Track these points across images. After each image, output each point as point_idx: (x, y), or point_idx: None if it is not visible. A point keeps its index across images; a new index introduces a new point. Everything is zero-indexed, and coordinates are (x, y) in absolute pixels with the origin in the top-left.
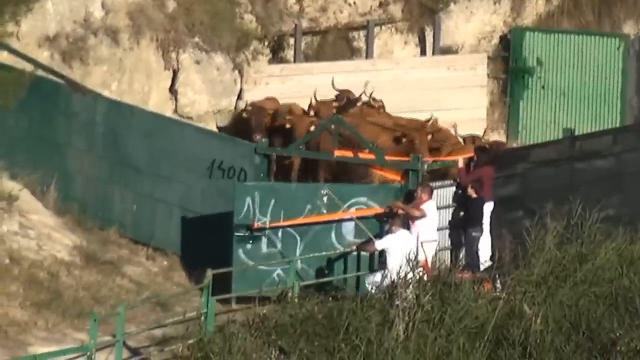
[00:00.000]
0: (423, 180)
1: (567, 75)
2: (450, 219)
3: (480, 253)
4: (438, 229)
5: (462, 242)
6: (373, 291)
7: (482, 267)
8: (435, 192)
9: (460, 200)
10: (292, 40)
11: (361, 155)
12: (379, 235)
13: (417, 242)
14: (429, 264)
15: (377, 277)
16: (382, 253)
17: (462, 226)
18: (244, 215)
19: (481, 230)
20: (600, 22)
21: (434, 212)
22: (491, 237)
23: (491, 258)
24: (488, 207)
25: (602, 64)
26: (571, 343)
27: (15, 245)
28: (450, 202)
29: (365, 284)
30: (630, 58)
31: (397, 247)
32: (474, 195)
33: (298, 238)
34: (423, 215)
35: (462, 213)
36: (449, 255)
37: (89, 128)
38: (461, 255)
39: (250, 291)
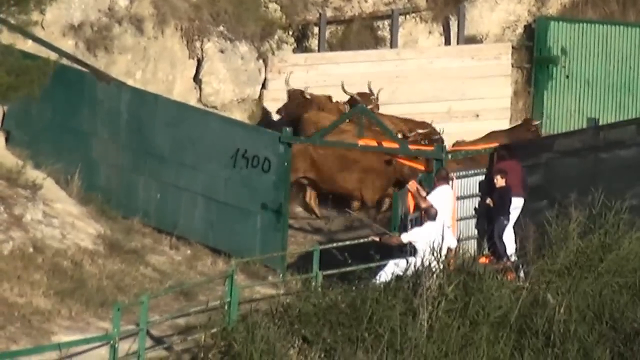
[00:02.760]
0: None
1: (592, 65)
2: (476, 207)
3: (506, 243)
4: (462, 219)
5: (486, 231)
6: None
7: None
8: (459, 181)
9: (486, 189)
10: (316, 30)
11: (385, 144)
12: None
13: (442, 230)
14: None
15: (391, 268)
16: (407, 244)
17: (488, 215)
18: None
19: (507, 219)
20: (624, 11)
21: (449, 199)
22: (514, 232)
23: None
24: (517, 202)
25: (627, 53)
26: (594, 333)
27: (39, 234)
28: (477, 191)
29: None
30: None
31: (424, 238)
32: (500, 184)
33: None
34: (428, 207)
35: (488, 202)
36: (475, 244)
37: (113, 117)
38: (484, 244)
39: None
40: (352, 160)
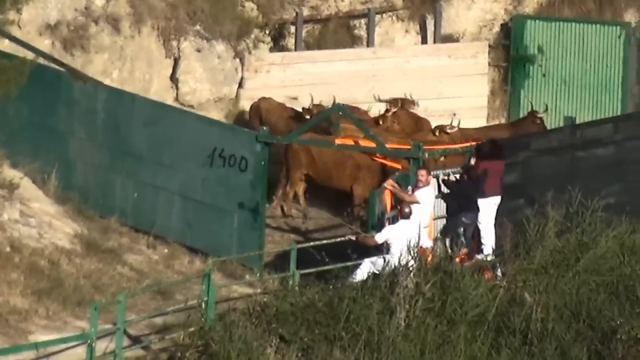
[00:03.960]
0: (421, 164)
1: (568, 64)
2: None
3: (485, 242)
4: (438, 218)
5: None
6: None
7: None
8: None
9: (453, 187)
10: (293, 29)
11: (362, 143)
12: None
13: (418, 230)
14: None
15: (367, 267)
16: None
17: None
18: None
19: (473, 218)
20: (601, 10)
21: (431, 198)
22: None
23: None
24: (493, 201)
25: (603, 52)
26: (572, 331)
27: (16, 234)
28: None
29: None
30: (631, 46)
31: (398, 237)
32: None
33: None
34: (413, 202)
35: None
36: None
37: (90, 116)
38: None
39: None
40: (346, 156)
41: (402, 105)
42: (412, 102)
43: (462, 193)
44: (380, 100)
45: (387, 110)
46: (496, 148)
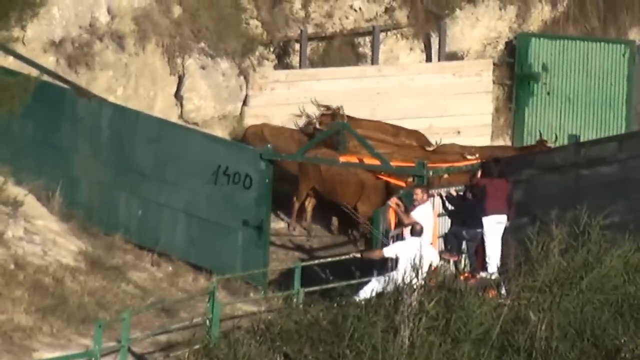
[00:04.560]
0: (419, 183)
1: (573, 82)
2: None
3: (491, 260)
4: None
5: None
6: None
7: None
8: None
9: (458, 203)
10: (297, 46)
11: (366, 161)
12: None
13: (420, 247)
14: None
15: (372, 285)
16: (388, 260)
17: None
18: None
19: (474, 234)
20: (605, 28)
21: (430, 216)
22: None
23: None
24: (496, 219)
25: (608, 70)
26: (576, 349)
27: (21, 251)
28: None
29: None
30: (635, 64)
31: (406, 254)
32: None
33: None
34: (411, 223)
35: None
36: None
37: (94, 133)
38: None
39: None
40: (351, 174)
41: (332, 118)
42: (343, 117)
43: (465, 210)
44: (318, 106)
45: (320, 122)
46: (499, 167)
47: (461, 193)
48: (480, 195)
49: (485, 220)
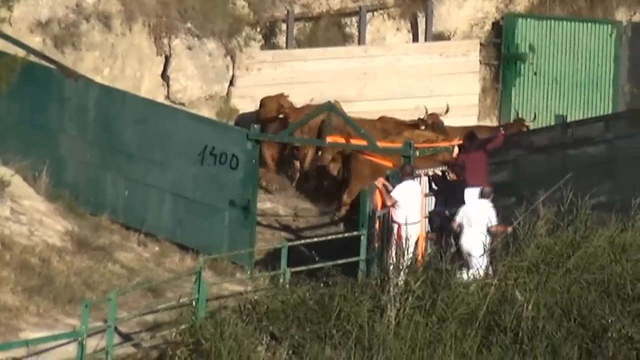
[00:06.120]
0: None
1: (560, 62)
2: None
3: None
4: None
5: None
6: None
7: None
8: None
9: (441, 184)
10: (284, 26)
11: (353, 141)
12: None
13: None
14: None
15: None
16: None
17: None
18: None
19: (455, 212)
20: (592, 8)
21: (416, 194)
22: None
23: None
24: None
25: (595, 50)
26: (562, 329)
27: (7, 231)
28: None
29: None
30: (622, 45)
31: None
32: (452, 178)
33: None
34: (393, 204)
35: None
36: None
37: (81, 114)
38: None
39: None
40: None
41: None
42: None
43: (448, 189)
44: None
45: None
46: (474, 140)
47: (443, 171)
48: (460, 171)
49: (467, 192)
